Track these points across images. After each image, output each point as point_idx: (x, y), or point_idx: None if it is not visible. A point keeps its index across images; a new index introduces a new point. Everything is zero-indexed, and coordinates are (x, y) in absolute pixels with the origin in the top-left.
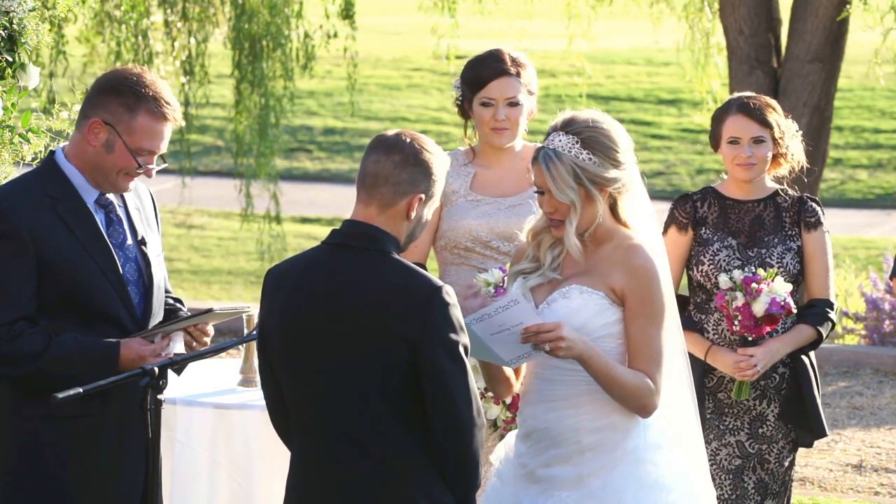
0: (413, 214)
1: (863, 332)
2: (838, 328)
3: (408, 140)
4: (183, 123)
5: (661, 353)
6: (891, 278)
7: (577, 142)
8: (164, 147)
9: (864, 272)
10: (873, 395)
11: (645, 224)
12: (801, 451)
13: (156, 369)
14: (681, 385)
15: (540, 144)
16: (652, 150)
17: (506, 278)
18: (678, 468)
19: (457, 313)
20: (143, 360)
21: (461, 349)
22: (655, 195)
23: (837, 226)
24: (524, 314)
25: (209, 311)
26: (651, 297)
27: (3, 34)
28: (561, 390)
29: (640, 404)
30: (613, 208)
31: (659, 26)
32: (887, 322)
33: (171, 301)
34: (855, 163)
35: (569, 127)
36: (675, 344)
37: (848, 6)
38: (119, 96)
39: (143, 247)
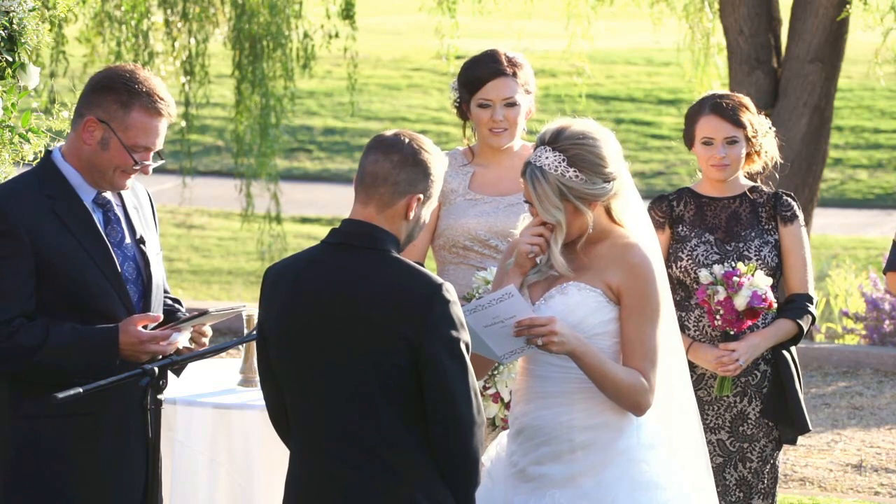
0: (411, 215)
1: (863, 332)
2: (838, 328)
3: (406, 140)
4: (183, 123)
5: (656, 352)
6: (885, 272)
7: (563, 160)
8: (159, 143)
9: (864, 272)
10: (873, 395)
11: (639, 224)
12: (801, 450)
13: (156, 369)
14: (680, 384)
15: (528, 156)
16: (652, 150)
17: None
18: (672, 468)
19: (457, 311)
20: (142, 344)
21: (462, 347)
22: (655, 195)
23: (837, 226)
24: (518, 307)
25: (204, 312)
26: (647, 295)
27: (3, 34)
28: (554, 388)
29: (633, 402)
30: (608, 209)
31: (659, 26)
32: (887, 322)
33: (169, 301)
34: (855, 163)
35: (556, 142)
36: (671, 343)
37: (848, 6)
38: (113, 93)
39: (141, 246)
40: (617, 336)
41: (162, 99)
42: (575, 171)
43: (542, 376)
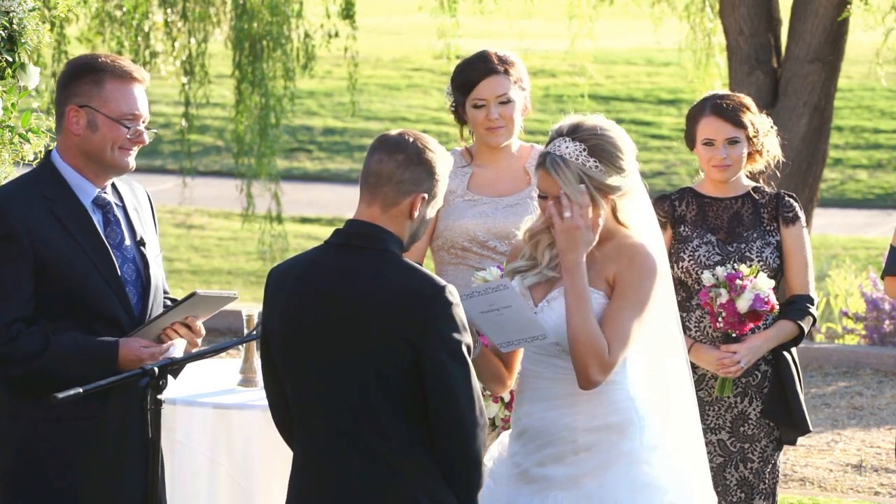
0: (416, 214)
1: (863, 332)
2: (838, 328)
3: (411, 140)
4: (183, 123)
5: (628, 339)
6: (882, 277)
7: (584, 149)
8: (144, 109)
9: (864, 272)
10: (873, 395)
11: (646, 226)
12: (801, 450)
13: (156, 369)
14: (681, 388)
15: (544, 149)
16: (652, 150)
17: (502, 277)
18: (675, 470)
19: (460, 313)
20: (142, 362)
21: (464, 349)
22: (656, 195)
23: (837, 226)
24: (512, 298)
25: (193, 294)
26: (637, 286)
27: (3, 34)
28: (558, 389)
29: (584, 362)
30: (614, 210)
31: (660, 27)
32: (887, 322)
33: (168, 303)
34: (855, 163)
35: (576, 133)
36: (671, 346)
37: (848, 6)
38: (82, 78)
39: (141, 247)
40: None
41: (128, 66)
42: (595, 161)
43: (546, 377)
